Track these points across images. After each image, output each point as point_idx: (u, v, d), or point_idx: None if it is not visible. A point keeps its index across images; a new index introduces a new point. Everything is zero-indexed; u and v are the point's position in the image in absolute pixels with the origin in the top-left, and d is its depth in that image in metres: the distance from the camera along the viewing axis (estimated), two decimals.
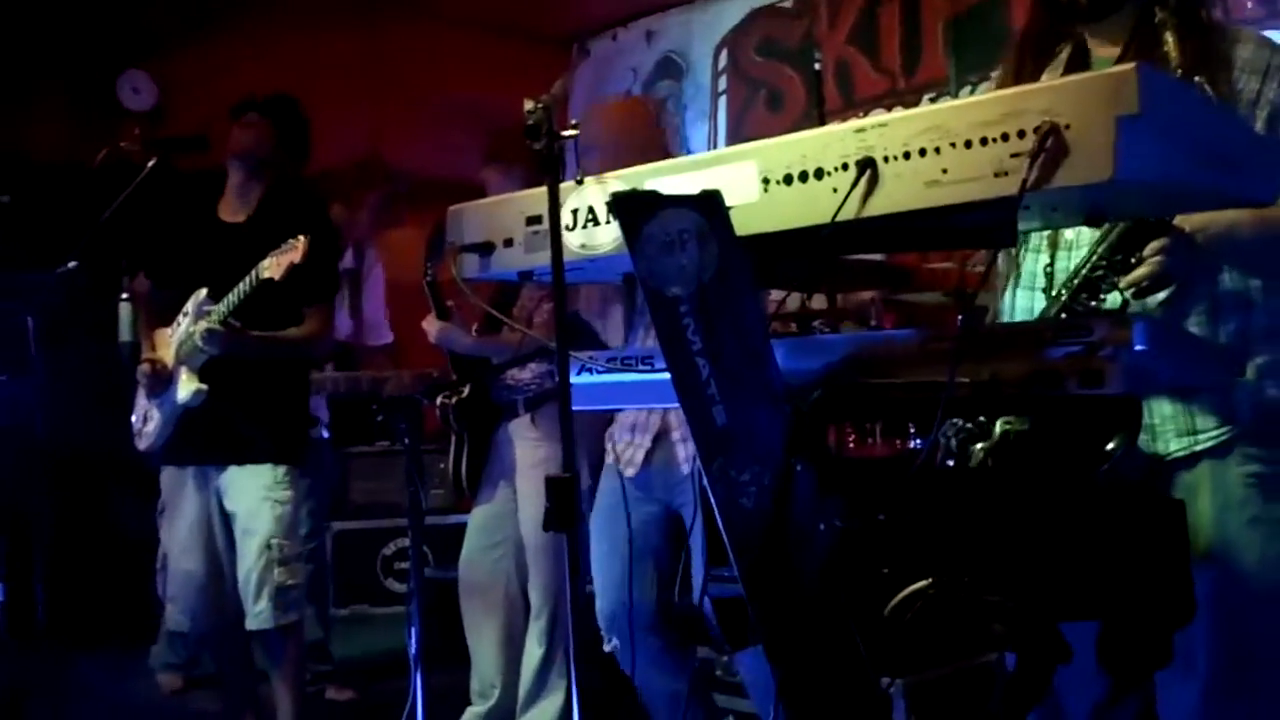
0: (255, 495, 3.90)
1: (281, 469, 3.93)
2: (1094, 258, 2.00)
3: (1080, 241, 2.09)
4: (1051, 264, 2.13)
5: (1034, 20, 2.24)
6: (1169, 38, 1.95)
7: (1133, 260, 1.95)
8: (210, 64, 4.29)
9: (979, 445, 1.91)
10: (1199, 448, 2.06)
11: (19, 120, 5.89)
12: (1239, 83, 2.02)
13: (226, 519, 3.97)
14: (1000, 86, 2.20)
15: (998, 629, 1.60)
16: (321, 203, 4.12)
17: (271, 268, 3.62)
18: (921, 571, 1.63)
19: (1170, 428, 2.08)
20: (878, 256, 2.34)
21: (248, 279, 3.70)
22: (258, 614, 3.90)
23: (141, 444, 4.04)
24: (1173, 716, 2.13)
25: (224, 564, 3.98)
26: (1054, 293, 2.08)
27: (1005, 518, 1.63)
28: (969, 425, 1.94)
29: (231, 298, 3.74)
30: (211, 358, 3.83)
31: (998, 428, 1.88)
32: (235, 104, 3.99)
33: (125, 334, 3.79)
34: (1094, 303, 2.00)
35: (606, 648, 3.72)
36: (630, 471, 3.43)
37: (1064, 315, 2.01)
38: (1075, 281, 2.02)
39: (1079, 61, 2.16)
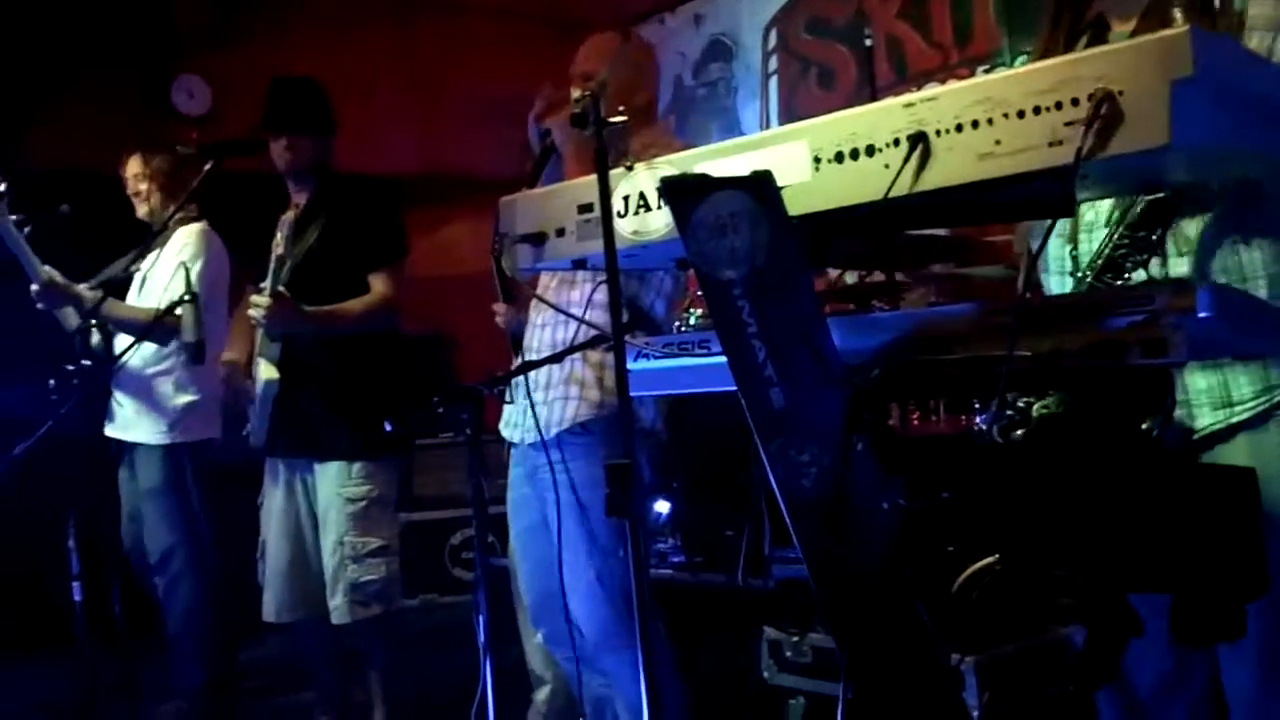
0: (330, 492, 3.96)
1: (356, 465, 3.96)
2: (1116, 237, 1.97)
3: (1099, 223, 2.06)
4: (1075, 247, 2.10)
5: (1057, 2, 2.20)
6: (1176, 13, 1.91)
7: (1154, 237, 1.92)
8: (260, 66, 4.34)
9: (1019, 431, 1.89)
10: (1235, 420, 2.00)
11: (77, 129, 5.98)
12: (1251, 41, 1.97)
13: (314, 514, 4.03)
14: None
15: (1065, 603, 1.58)
16: (365, 176, 4.16)
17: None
18: (987, 548, 1.62)
19: (1205, 401, 2.02)
20: (941, 231, 2.32)
21: (274, 257, 3.78)
22: (335, 608, 3.96)
23: (252, 440, 4.09)
24: (1230, 693, 2.11)
25: (310, 557, 4.04)
26: (1079, 274, 2.05)
27: (1071, 492, 1.61)
28: (1008, 412, 1.92)
29: (270, 279, 3.80)
30: (285, 349, 3.88)
31: (1034, 412, 1.86)
32: (257, 129, 4.04)
33: (189, 335, 3.84)
34: (1119, 282, 1.97)
35: (536, 640, 3.68)
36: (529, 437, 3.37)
37: None
38: (1099, 262, 1.99)
39: (1099, 41, 2.12)
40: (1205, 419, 2.03)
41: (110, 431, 4.57)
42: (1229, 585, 1.55)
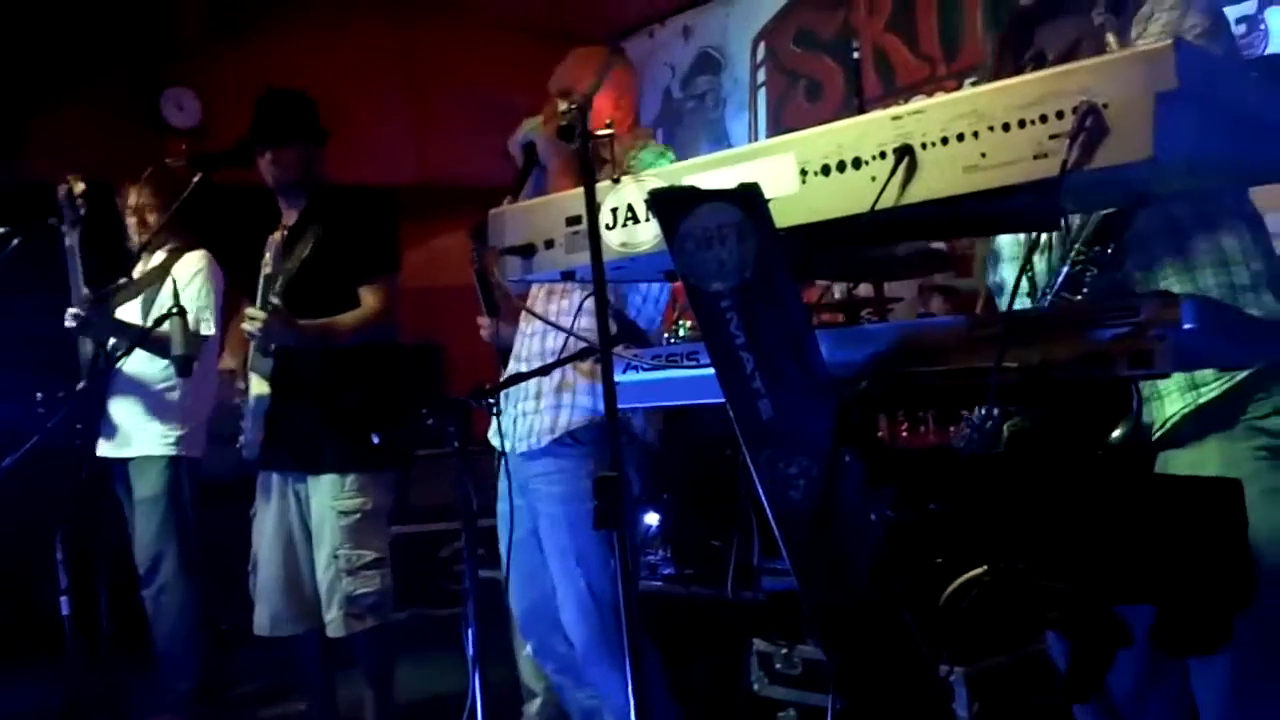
0: (323, 505, 3.94)
1: (349, 477, 3.94)
2: (1073, 253, 2.00)
3: (1054, 243, 2.09)
4: (1031, 269, 2.13)
5: (1006, 30, 2.24)
6: (1110, 37, 1.95)
7: (1109, 251, 1.94)
8: (251, 78, 4.34)
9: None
10: (1202, 400, 2.04)
11: (67, 142, 5.97)
12: (1154, 27, 2.01)
13: (308, 527, 4.02)
14: None
15: (1053, 615, 1.58)
16: (360, 188, 4.16)
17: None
18: (975, 559, 1.62)
19: (1174, 387, 2.07)
20: (931, 244, 2.33)
21: (263, 277, 3.78)
22: (330, 621, 3.95)
23: (245, 453, 4.08)
24: (1200, 702, 2.13)
25: (304, 570, 4.02)
26: (1039, 294, 2.08)
27: (1058, 503, 1.61)
28: (974, 435, 1.94)
29: (261, 295, 3.81)
30: (277, 363, 3.88)
31: (1005, 430, 1.88)
32: (243, 142, 4.02)
33: (177, 348, 3.84)
34: (1078, 298, 2.00)
35: (526, 652, 3.67)
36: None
37: None
38: (1058, 280, 2.02)
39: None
40: (1175, 404, 2.07)
41: (105, 451, 4.61)
42: (1216, 596, 1.55)
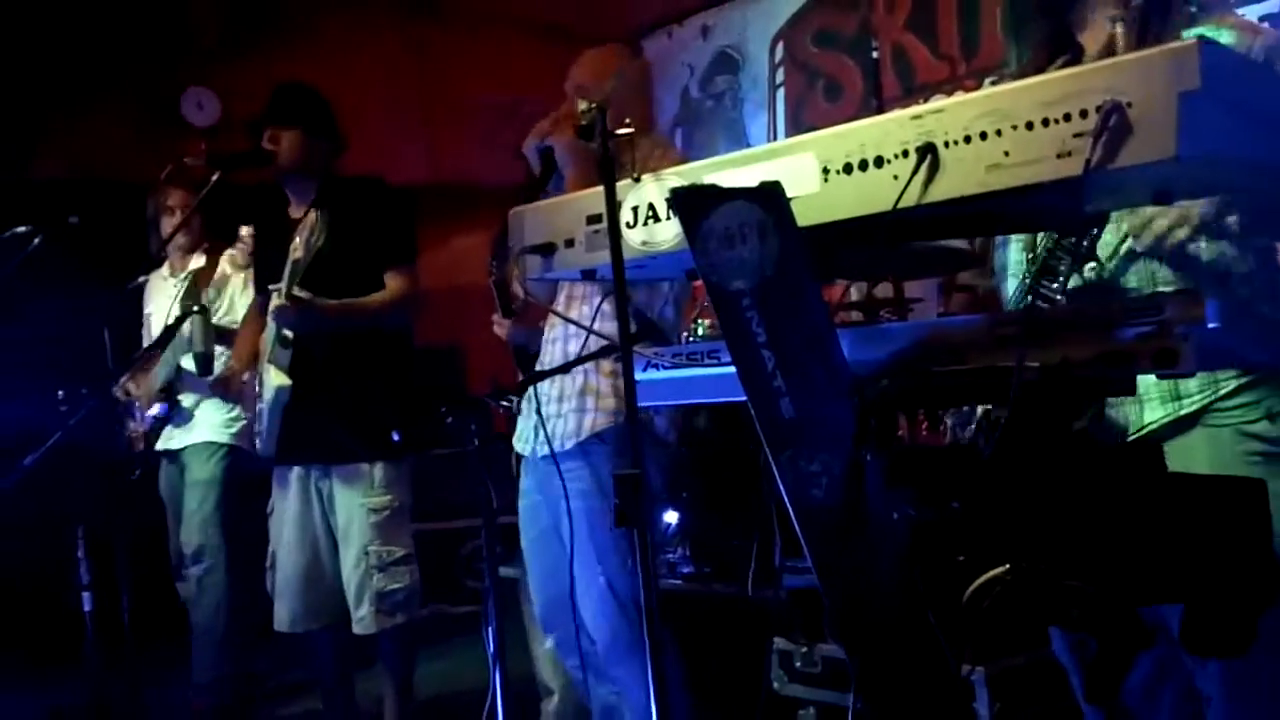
0: (352, 502, 3.93)
1: (378, 471, 3.94)
2: (1049, 243, 2.02)
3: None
4: (1034, 252, 2.15)
5: (1033, 20, 2.24)
6: (1119, 30, 1.94)
7: (1083, 244, 1.95)
8: (269, 78, 4.34)
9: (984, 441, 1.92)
10: (1184, 412, 2.05)
11: (87, 140, 6.00)
12: None
13: (330, 522, 4.02)
14: None
15: (1076, 614, 1.58)
16: (374, 178, 4.17)
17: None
18: (997, 558, 1.62)
19: (1155, 395, 2.07)
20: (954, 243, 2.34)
21: (290, 261, 3.82)
22: (360, 619, 3.94)
23: (260, 448, 4.10)
24: (1208, 691, 2.14)
25: (325, 566, 4.02)
26: (1022, 279, 2.09)
27: (1081, 502, 1.61)
28: (958, 425, 1.95)
29: (285, 282, 3.79)
30: (296, 355, 3.86)
31: (979, 413, 1.88)
32: (250, 124, 4.04)
33: (197, 345, 3.85)
34: (1055, 284, 2.02)
35: (546, 645, 3.67)
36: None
37: (1028, 299, 2.08)
38: (1034, 268, 2.03)
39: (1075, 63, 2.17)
40: (1155, 412, 2.08)
41: (166, 444, 4.81)
42: (1240, 594, 1.55)
